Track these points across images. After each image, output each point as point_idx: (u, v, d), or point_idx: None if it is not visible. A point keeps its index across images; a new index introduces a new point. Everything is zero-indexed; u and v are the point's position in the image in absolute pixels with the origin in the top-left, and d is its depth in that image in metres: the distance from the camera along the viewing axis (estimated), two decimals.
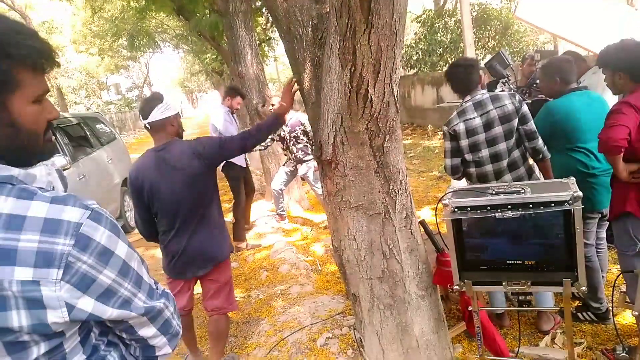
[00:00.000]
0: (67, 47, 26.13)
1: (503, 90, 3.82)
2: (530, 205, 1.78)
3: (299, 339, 2.96)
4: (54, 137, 0.98)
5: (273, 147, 6.08)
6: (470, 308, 2.11)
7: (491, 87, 4.01)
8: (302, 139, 5.08)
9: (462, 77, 2.72)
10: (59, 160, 4.78)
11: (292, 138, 5.15)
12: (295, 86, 2.65)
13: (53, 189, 0.94)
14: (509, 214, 1.78)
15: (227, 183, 5.19)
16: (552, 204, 1.76)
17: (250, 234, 5.56)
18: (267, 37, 11.88)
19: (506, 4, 13.13)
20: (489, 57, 4.31)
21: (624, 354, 2.36)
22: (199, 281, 2.77)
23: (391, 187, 2.29)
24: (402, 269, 2.36)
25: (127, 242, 0.94)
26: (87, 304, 0.86)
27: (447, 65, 13.02)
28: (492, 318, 2.91)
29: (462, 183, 3.08)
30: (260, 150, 5.52)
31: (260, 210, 6.42)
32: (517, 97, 2.68)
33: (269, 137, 2.72)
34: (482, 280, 1.99)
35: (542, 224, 1.84)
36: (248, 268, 4.55)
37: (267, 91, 6.09)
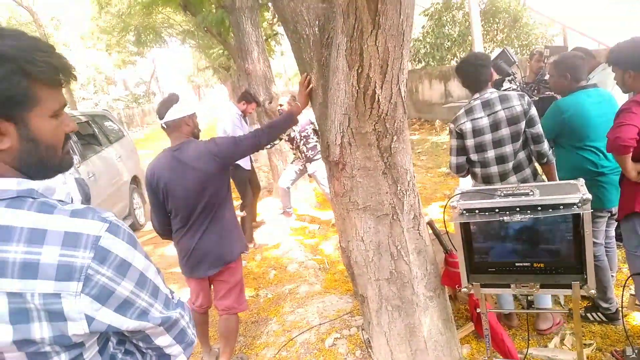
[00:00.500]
0: (75, 42, 26.25)
1: (509, 88, 3.79)
2: (539, 208, 1.77)
3: (307, 339, 2.98)
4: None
5: (280, 145, 6.08)
6: (478, 310, 2.10)
7: (497, 85, 3.97)
8: (313, 138, 5.07)
9: (472, 75, 2.70)
10: None
11: (302, 138, 5.14)
12: (311, 84, 2.62)
13: (72, 201, 0.95)
14: (517, 217, 1.76)
15: (234, 185, 5.20)
16: (561, 207, 1.74)
17: (257, 232, 5.57)
18: (274, 32, 11.84)
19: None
20: (497, 50, 4.25)
21: (633, 356, 2.35)
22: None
23: (399, 188, 2.28)
24: (411, 270, 2.36)
25: (143, 253, 0.96)
26: (106, 316, 0.88)
27: (456, 59, 12.98)
28: (500, 318, 2.91)
29: (469, 180, 3.05)
30: (266, 148, 5.52)
31: (267, 207, 6.43)
32: (526, 98, 2.65)
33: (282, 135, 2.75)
34: (490, 282, 1.98)
35: (550, 227, 1.83)
36: (256, 266, 4.57)
37: (273, 88, 6.08)
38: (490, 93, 2.66)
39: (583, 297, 2.96)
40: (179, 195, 2.54)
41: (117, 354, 1.00)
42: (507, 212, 1.81)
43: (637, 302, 2.05)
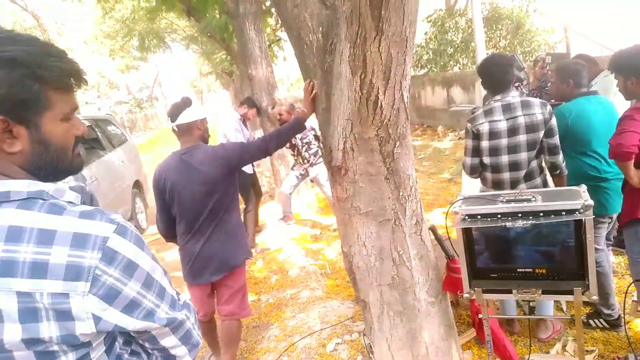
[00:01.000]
0: (78, 47, 26.39)
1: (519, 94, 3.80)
2: (541, 214, 1.77)
3: (308, 344, 2.98)
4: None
5: (282, 150, 6.10)
6: (480, 316, 2.10)
7: None
8: (314, 144, 5.10)
9: (497, 75, 2.62)
10: None
11: (304, 144, 5.17)
12: (314, 90, 2.63)
13: (82, 203, 0.96)
14: (519, 222, 1.77)
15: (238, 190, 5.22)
16: (563, 213, 1.75)
17: (259, 237, 5.58)
18: (277, 38, 11.90)
19: (518, 3, 12.99)
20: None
21: None
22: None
23: (401, 194, 2.29)
24: (412, 275, 2.36)
25: (150, 254, 0.97)
26: (113, 316, 0.89)
27: (458, 65, 13.01)
28: (502, 324, 2.91)
29: (477, 183, 3.03)
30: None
31: (269, 212, 6.43)
32: (548, 107, 2.59)
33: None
34: (492, 288, 1.98)
35: (553, 233, 1.83)
36: (258, 271, 4.57)
37: (276, 93, 6.11)
38: (513, 97, 2.61)
39: (585, 303, 2.96)
40: (186, 198, 2.55)
41: (123, 355, 1.01)
42: (510, 218, 1.81)
43: (639, 308, 2.05)
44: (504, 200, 1.89)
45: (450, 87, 11.97)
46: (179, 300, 1.07)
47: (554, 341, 2.76)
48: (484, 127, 2.60)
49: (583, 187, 1.91)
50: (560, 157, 2.65)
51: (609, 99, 2.95)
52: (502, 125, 2.57)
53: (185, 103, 2.62)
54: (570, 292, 1.84)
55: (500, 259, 1.96)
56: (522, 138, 2.57)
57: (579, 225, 1.76)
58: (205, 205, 2.56)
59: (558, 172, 2.68)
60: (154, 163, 2.67)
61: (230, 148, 2.66)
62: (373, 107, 2.07)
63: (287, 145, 5.12)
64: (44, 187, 0.90)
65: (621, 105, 3.49)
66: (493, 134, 2.59)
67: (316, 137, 5.07)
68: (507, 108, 2.58)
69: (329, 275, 4.18)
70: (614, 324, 2.79)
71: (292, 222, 5.75)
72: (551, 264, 1.88)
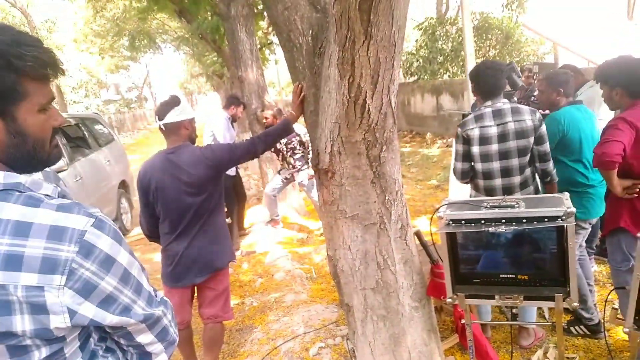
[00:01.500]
0: (68, 45, 26.14)
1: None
2: (524, 220, 1.79)
3: (291, 348, 2.96)
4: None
5: (270, 152, 6.08)
6: (463, 321, 2.11)
7: (508, 97, 4.01)
8: (299, 149, 5.11)
9: (489, 80, 2.63)
10: None
11: (288, 149, 5.18)
12: (303, 92, 2.62)
13: (59, 196, 0.95)
14: (502, 228, 1.78)
15: None
16: (546, 219, 1.76)
17: (245, 240, 5.55)
18: (269, 41, 11.91)
19: (508, 13, 13.18)
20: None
21: None
22: (196, 290, 2.77)
23: (387, 198, 2.29)
24: (396, 279, 2.36)
25: (128, 249, 0.96)
26: (89, 310, 0.88)
27: (448, 73, 13.14)
28: (485, 330, 2.93)
29: (465, 189, 3.03)
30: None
31: (257, 215, 6.41)
32: (538, 115, 2.61)
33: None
34: (475, 293, 1.99)
35: (535, 239, 1.85)
36: (243, 274, 4.54)
37: (266, 96, 6.10)
38: (503, 103, 2.63)
39: (566, 311, 2.99)
40: (170, 198, 2.52)
41: (98, 351, 0.99)
42: (493, 224, 1.83)
43: (618, 315, 2.07)
44: (488, 206, 1.90)
45: (439, 95, 12.07)
46: (156, 296, 1.06)
47: (536, 348, 2.78)
48: (475, 133, 2.61)
49: (566, 195, 1.93)
50: (551, 164, 2.67)
51: (592, 110, 3.00)
52: (493, 131, 2.58)
53: (174, 101, 2.58)
54: (552, 299, 1.85)
55: (484, 264, 1.97)
56: (512, 144, 2.58)
57: (561, 232, 1.78)
58: (191, 206, 2.53)
59: (549, 179, 2.71)
60: (142, 163, 2.64)
61: (217, 149, 2.64)
62: (361, 110, 2.08)
63: (272, 149, 5.12)
64: (20, 179, 0.88)
65: (606, 116, 3.56)
66: (483, 139, 2.60)
67: (301, 143, 5.07)
68: (498, 114, 2.59)
69: (315, 279, 4.17)
70: (595, 330, 2.81)
71: (279, 226, 5.73)
72: (533, 271, 1.89)
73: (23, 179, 0.89)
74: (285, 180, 5.42)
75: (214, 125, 5.05)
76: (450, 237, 1.94)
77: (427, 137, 11.49)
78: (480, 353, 2.28)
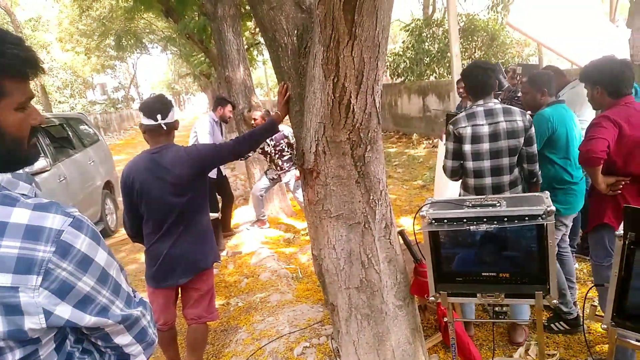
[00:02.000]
0: (53, 45, 25.78)
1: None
2: (505, 219, 1.81)
3: (276, 348, 2.96)
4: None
5: (257, 153, 6.07)
6: (445, 319, 2.13)
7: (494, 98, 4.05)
8: (287, 152, 5.12)
9: (481, 79, 2.66)
10: (39, 162, 4.71)
11: (277, 152, 5.18)
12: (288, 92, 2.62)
13: (35, 195, 0.94)
14: (483, 227, 1.80)
15: None
16: (526, 218, 1.79)
17: (232, 241, 5.53)
18: (256, 42, 11.89)
19: (493, 15, 13.31)
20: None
21: None
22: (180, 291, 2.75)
23: (371, 197, 2.31)
24: (381, 278, 2.38)
25: (107, 249, 0.95)
26: (65, 311, 0.87)
27: (434, 74, 13.22)
28: (469, 329, 2.96)
29: (450, 189, 3.06)
30: (241, 159, 5.51)
31: (244, 216, 6.39)
32: (527, 116, 2.66)
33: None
34: (457, 291, 2.01)
35: (516, 237, 1.87)
36: (228, 275, 4.52)
37: (253, 97, 6.09)
38: (494, 103, 2.66)
39: (547, 308, 3.04)
40: (154, 198, 2.50)
41: (74, 353, 0.98)
42: (475, 222, 1.85)
43: (597, 312, 2.10)
44: (470, 205, 1.92)
45: (426, 96, 12.16)
46: (135, 297, 1.05)
47: (517, 345, 2.82)
48: (467, 131, 2.62)
49: (546, 194, 1.96)
50: (537, 166, 2.72)
51: (573, 110, 3.06)
52: (485, 130, 2.60)
53: (169, 101, 2.57)
54: (532, 296, 1.88)
55: (466, 263, 1.99)
56: (503, 143, 2.61)
57: (541, 230, 1.81)
58: (175, 206, 2.52)
59: (535, 180, 2.75)
60: (126, 164, 2.62)
61: (202, 149, 2.63)
62: (345, 110, 2.09)
63: (259, 151, 5.12)
64: None
65: (587, 116, 3.63)
66: (475, 138, 2.62)
67: (289, 145, 5.08)
68: (490, 113, 2.62)
69: (300, 279, 4.17)
70: (574, 324, 2.87)
71: (265, 226, 5.73)
72: (514, 269, 1.92)
73: None
74: (272, 181, 5.43)
75: (198, 127, 5.04)
76: (433, 236, 1.96)
77: (414, 138, 11.56)
78: (463, 351, 2.30)
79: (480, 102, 2.66)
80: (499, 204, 1.88)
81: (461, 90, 4.64)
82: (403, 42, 14.49)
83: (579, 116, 3.49)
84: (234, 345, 3.18)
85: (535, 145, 2.67)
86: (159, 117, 2.49)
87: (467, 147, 2.64)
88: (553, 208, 1.77)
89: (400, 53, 13.88)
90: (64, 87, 29.41)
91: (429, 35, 13.55)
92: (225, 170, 5.58)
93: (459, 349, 2.25)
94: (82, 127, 6.94)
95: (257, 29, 10.72)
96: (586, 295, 2.10)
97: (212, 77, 15.31)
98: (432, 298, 2.03)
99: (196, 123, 5.23)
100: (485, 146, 2.61)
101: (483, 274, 1.96)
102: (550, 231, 1.77)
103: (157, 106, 2.52)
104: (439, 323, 2.54)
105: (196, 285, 2.68)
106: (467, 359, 2.32)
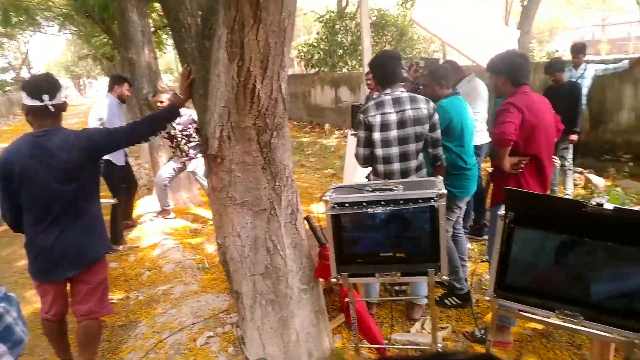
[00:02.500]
0: None
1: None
2: (401, 202, 1.91)
3: (178, 340, 2.87)
4: None
5: (163, 140, 5.80)
6: (347, 299, 2.20)
7: None
8: (195, 137, 4.93)
9: (388, 67, 2.74)
10: None
11: (184, 136, 4.98)
12: (192, 75, 2.51)
13: None
14: (378, 209, 1.89)
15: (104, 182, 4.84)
16: (420, 201, 1.90)
17: (134, 233, 5.24)
18: (165, 24, 11.28)
19: (402, 11, 13.85)
20: None
21: (480, 335, 2.67)
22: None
23: (277, 184, 2.31)
24: (286, 264, 2.40)
25: None
26: None
27: (347, 67, 13.50)
28: (372, 308, 3.10)
29: (359, 177, 3.15)
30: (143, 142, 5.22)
31: (147, 206, 6.07)
32: (431, 104, 2.79)
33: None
34: (358, 272, 2.09)
35: (411, 219, 1.98)
36: (129, 268, 4.28)
37: (159, 81, 5.80)
38: (401, 92, 2.76)
39: (442, 285, 3.27)
40: (38, 185, 2.27)
41: None
42: (374, 206, 1.93)
43: (483, 286, 2.31)
44: (370, 190, 2.00)
45: (338, 88, 12.42)
46: None
47: (415, 321, 3.01)
48: (376, 119, 2.70)
49: (439, 178, 2.10)
50: (441, 149, 2.89)
51: (468, 102, 3.31)
52: (393, 118, 2.70)
53: (58, 82, 2.35)
54: (425, 273, 2.00)
55: (366, 244, 2.07)
56: (410, 130, 2.72)
57: (434, 212, 1.93)
58: (62, 194, 2.31)
59: (439, 163, 2.93)
60: (3, 148, 2.35)
61: (94, 133, 2.45)
62: (250, 95, 2.07)
63: (165, 135, 4.88)
64: None
65: (480, 108, 3.93)
66: (384, 126, 2.71)
67: (197, 131, 4.91)
68: (397, 101, 2.72)
69: (207, 269, 4.07)
70: (465, 299, 3.12)
71: (171, 216, 5.50)
72: (410, 249, 2.03)
73: None
74: (177, 169, 5.21)
75: (102, 111, 4.68)
76: (335, 220, 2.01)
77: (326, 128, 11.77)
78: (364, 329, 2.41)
79: (388, 90, 2.76)
80: (396, 188, 1.98)
81: (369, 81, 4.78)
82: (317, 33, 14.62)
83: (473, 108, 3.78)
84: (132, 340, 3.03)
85: (439, 131, 2.85)
86: (45, 97, 2.26)
87: (377, 135, 2.73)
88: (444, 191, 1.90)
89: (315, 44, 13.99)
90: None
91: (342, 28, 13.79)
92: (129, 157, 5.27)
93: (360, 328, 2.34)
94: None
95: None
96: (474, 271, 2.28)
97: (115, 59, 14.29)
98: (334, 279, 2.09)
99: (96, 107, 4.86)
100: (394, 133, 2.72)
101: (381, 254, 2.05)
102: (441, 213, 1.90)
103: (44, 85, 2.29)
104: (342, 304, 2.63)
105: (86, 278, 2.47)
106: (368, 337, 2.43)
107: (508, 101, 2.62)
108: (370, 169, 2.96)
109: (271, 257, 2.38)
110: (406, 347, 2.73)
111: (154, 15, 9.77)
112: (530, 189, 2.64)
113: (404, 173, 2.79)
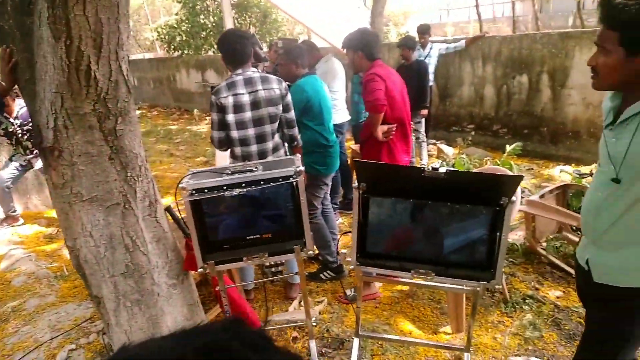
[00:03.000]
0: None
1: None
2: (262, 182, 1.88)
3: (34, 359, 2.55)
4: None
5: (1, 138, 5.03)
6: (218, 288, 2.13)
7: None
8: None
9: (237, 47, 2.66)
10: None
11: (24, 132, 4.36)
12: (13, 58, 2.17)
13: None
14: (236, 191, 1.84)
15: None
16: (280, 179, 1.89)
17: None
18: None
19: None
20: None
21: (353, 294, 2.89)
22: None
23: (129, 174, 2.12)
24: (149, 260, 2.24)
25: None
26: None
27: (212, 49, 13.04)
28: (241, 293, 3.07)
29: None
30: None
31: None
32: (284, 84, 2.77)
33: None
34: (225, 258, 2.03)
35: (273, 199, 1.97)
36: None
37: None
38: (253, 72, 2.69)
39: (317, 261, 3.36)
40: None
41: None
42: (233, 189, 1.87)
43: (347, 258, 2.41)
44: (230, 172, 1.93)
45: (205, 71, 11.97)
46: None
47: (292, 300, 3.05)
48: (229, 100, 2.61)
49: (298, 156, 2.11)
50: (296, 130, 2.90)
51: (326, 82, 3.38)
52: (246, 99, 2.64)
53: None
54: (292, 251, 2.01)
55: (231, 229, 2.02)
56: (264, 111, 2.68)
57: (295, 189, 1.93)
58: None
59: (295, 143, 2.94)
60: None
61: None
62: (85, 78, 1.86)
63: (2, 132, 4.24)
64: None
65: (338, 88, 4.05)
66: (237, 107, 2.63)
67: None
68: (249, 82, 2.66)
69: (67, 277, 3.65)
70: (339, 271, 3.25)
71: (18, 223, 4.84)
72: (275, 228, 2.02)
73: None
74: (20, 168, 4.57)
75: None
76: (195, 207, 1.92)
77: (195, 114, 11.31)
78: (239, 315, 2.36)
79: (239, 70, 2.69)
80: (256, 169, 1.94)
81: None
82: (176, 14, 13.84)
83: (331, 88, 3.88)
84: None
85: (293, 111, 2.85)
86: None
87: (231, 117, 2.65)
88: (302, 168, 1.92)
89: (175, 26, 13.24)
90: None
91: (203, 9, 13.23)
92: None
93: (235, 313, 2.29)
94: None
95: None
96: (338, 241, 2.36)
97: None
98: (201, 269, 2.00)
99: None
100: (248, 115, 2.66)
101: (248, 237, 2.02)
102: (301, 189, 1.91)
103: None
104: (215, 293, 2.55)
105: None
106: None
107: (372, 72, 2.76)
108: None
109: (131, 255, 2.19)
110: (285, 326, 2.75)
111: None
112: (399, 154, 2.83)
113: (261, 154, 2.76)
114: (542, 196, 3.22)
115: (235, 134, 2.69)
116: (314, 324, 2.56)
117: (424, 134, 5.51)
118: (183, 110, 12.55)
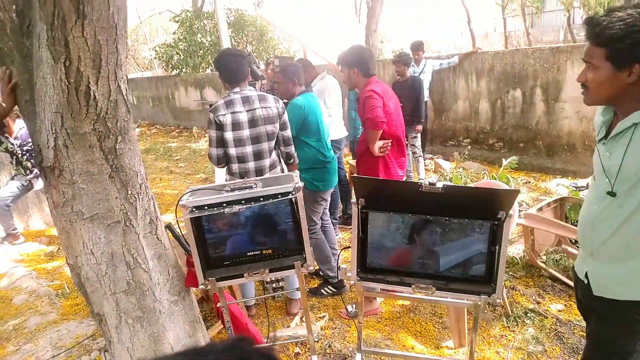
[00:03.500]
0: None
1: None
2: (261, 199, 1.89)
3: None
4: None
5: (2, 158, 5.07)
6: (219, 304, 2.13)
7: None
8: None
9: (233, 66, 2.70)
10: None
11: (24, 152, 4.40)
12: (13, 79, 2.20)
13: None
14: (236, 208, 1.85)
15: None
16: (279, 196, 1.90)
17: None
18: None
19: (258, 10, 13.90)
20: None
21: (355, 310, 2.86)
22: None
23: (129, 192, 2.14)
24: (150, 277, 2.24)
25: None
26: None
27: (210, 67, 13.17)
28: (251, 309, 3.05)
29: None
30: None
31: None
32: (281, 102, 2.82)
33: None
34: (225, 275, 2.03)
35: (273, 215, 1.98)
36: None
37: None
38: (250, 90, 2.74)
39: (318, 276, 3.35)
40: None
41: None
42: (233, 205, 1.88)
43: (347, 273, 2.40)
44: (229, 189, 1.95)
45: (203, 89, 12.06)
46: None
47: (293, 316, 3.04)
48: (227, 119, 2.65)
49: (296, 173, 2.12)
50: (293, 148, 2.93)
51: (322, 99, 3.42)
52: (244, 117, 2.67)
53: None
54: (293, 267, 2.02)
55: (231, 246, 2.02)
56: (262, 129, 2.73)
57: (294, 205, 1.94)
58: None
59: (292, 160, 2.97)
60: None
61: None
62: (85, 98, 1.89)
63: (2, 150, 4.29)
64: None
65: (333, 104, 4.09)
66: (235, 125, 2.67)
67: None
68: (247, 100, 2.70)
69: (68, 294, 3.64)
70: (339, 286, 3.25)
71: (19, 241, 4.84)
72: (275, 244, 2.03)
73: None
74: (21, 188, 4.59)
75: None
76: (196, 224, 1.93)
77: (194, 132, 11.36)
78: (241, 331, 2.35)
79: (237, 89, 2.73)
80: (255, 186, 1.95)
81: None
82: (174, 33, 14.00)
83: (327, 104, 3.92)
84: None
85: (289, 129, 2.90)
86: None
87: (229, 135, 2.68)
88: (301, 184, 1.93)
89: (173, 44, 13.39)
90: None
91: (200, 28, 13.40)
92: None
93: (236, 331, 2.29)
94: None
95: None
96: (338, 256, 2.36)
97: None
98: (202, 286, 2.00)
99: None
100: (246, 132, 2.70)
101: (249, 254, 2.03)
102: (300, 205, 1.92)
103: None
104: (216, 310, 2.54)
105: None
106: None
107: (369, 89, 2.79)
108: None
109: (132, 272, 2.20)
110: (287, 342, 2.74)
111: None
112: (394, 169, 2.86)
113: (259, 171, 2.80)
114: (540, 209, 3.23)
115: (233, 151, 2.72)
116: (316, 339, 2.55)
117: (420, 148, 5.54)
118: (182, 128, 12.62)
